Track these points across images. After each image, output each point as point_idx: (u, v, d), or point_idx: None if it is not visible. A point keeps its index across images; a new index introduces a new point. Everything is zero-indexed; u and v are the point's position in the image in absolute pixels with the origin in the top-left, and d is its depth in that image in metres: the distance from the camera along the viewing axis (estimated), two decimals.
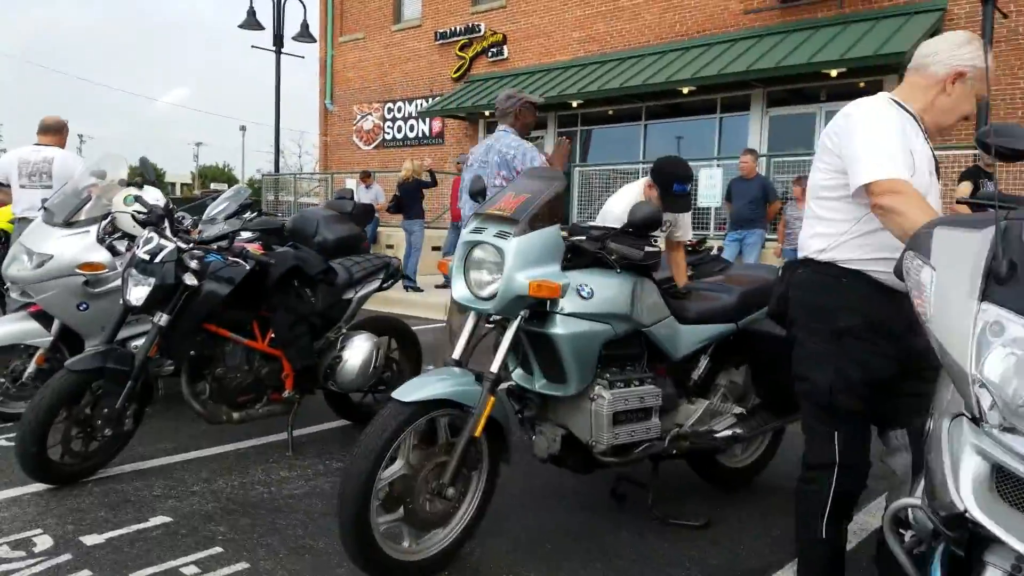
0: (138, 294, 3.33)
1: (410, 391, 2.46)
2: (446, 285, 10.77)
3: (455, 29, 17.61)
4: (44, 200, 4.85)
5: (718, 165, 10.44)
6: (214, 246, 3.48)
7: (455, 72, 17.61)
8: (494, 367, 2.55)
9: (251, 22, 15.27)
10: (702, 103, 13.51)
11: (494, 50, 16.89)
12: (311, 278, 3.84)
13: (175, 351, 3.48)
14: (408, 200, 10.66)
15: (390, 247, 13.42)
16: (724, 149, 13.26)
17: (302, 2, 15.43)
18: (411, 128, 18.91)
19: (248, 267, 3.55)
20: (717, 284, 3.30)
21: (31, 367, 4.26)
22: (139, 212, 3.63)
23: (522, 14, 16.38)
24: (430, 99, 18.08)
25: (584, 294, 2.60)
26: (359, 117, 20.04)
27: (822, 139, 2.13)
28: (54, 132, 5.46)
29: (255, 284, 3.61)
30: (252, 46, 15.92)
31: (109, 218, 4.31)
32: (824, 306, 2.08)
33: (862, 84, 11.91)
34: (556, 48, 15.84)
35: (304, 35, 15.89)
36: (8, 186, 5.47)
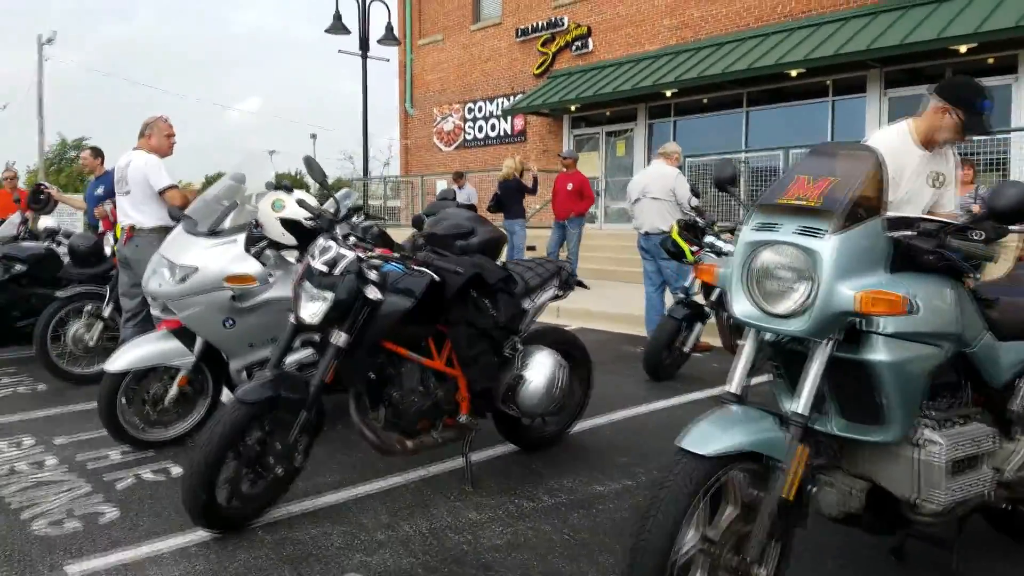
0: (313, 310, 2.87)
1: (703, 440, 1.90)
2: None
3: (537, 25, 17.11)
4: (175, 214, 4.50)
5: None
6: (395, 254, 3.00)
7: (537, 68, 17.11)
8: (800, 407, 1.97)
9: (337, 26, 15.00)
10: (811, 86, 12.64)
11: (578, 43, 16.31)
12: (491, 287, 3.34)
13: (353, 374, 3.02)
14: (509, 200, 10.15)
15: None
16: (838, 134, 12.38)
17: (386, 5, 15.10)
18: (492, 127, 18.50)
19: (430, 277, 3.07)
20: (1015, 287, 2.64)
21: (173, 390, 3.89)
22: (306, 219, 3.19)
23: (608, 4, 15.74)
24: (511, 97, 17.63)
25: (909, 307, 2.00)
26: (439, 119, 19.73)
27: None
28: (140, 135, 5.01)
29: (432, 295, 3.12)
30: (339, 51, 15.62)
31: (250, 226, 3.92)
32: None
33: (991, 60, 10.93)
34: (645, 37, 15.16)
35: (389, 38, 15.56)
36: None
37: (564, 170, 10.05)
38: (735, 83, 13.06)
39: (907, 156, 3.22)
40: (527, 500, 3.24)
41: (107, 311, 5.58)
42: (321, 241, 2.96)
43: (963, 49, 10.66)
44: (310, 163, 3.22)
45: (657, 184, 6.36)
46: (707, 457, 1.86)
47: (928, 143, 3.25)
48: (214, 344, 3.85)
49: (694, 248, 5.34)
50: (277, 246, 3.95)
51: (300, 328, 3.02)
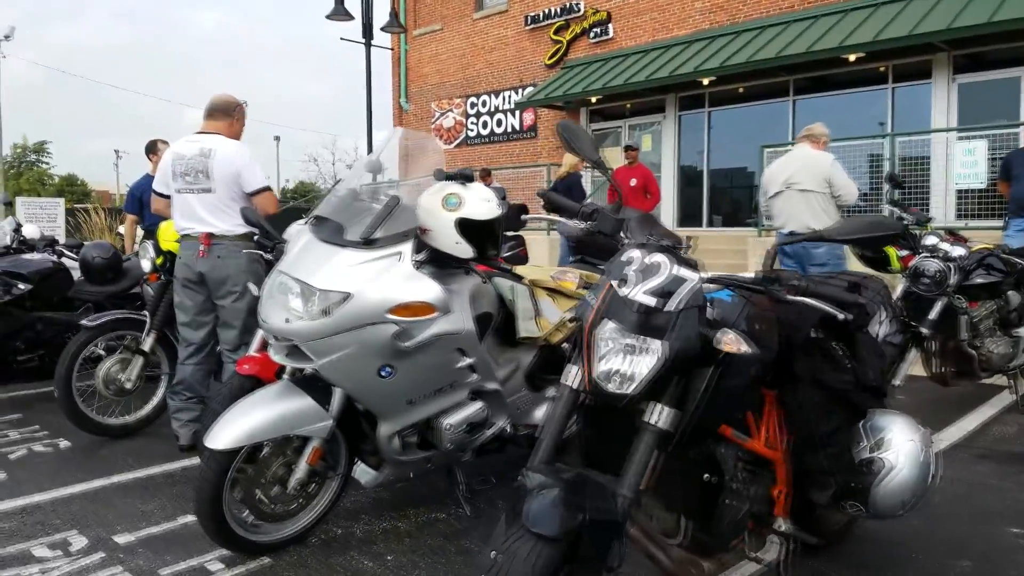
0: (632, 370, 1.71)
1: None
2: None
3: (549, 11, 15.95)
4: (246, 212, 3.35)
5: (961, 137, 8.80)
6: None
7: (549, 58, 15.96)
8: None
9: (339, 11, 13.75)
10: (866, 73, 11.73)
11: (597, 30, 15.21)
12: (836, 325, 2.20)
13: (681, 475, 1.87)
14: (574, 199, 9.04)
15: None
16: (900, 123, 11.50)
17: None
18: (498, 123, 17.31)
19: (777, 309, 1.93)
20: None
21: (300, 470, 2.69)
22: (560, 223, 2.03)
23: None
24: (520, 90, 16.48)
25: None
26: (438, 115, 18.49)
27: None
28: (222, 115, 3.88)
29: None
30: (341, 38, 14.37)
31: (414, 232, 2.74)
32: None
33: None
34: (673, 22, 14.11)
35: (393, 25, 14.38)
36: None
37: (627, 163, 8.96)
38: (780, 70, 12.09)
39: None
40: None
41: (148, 343, 4.30)
42: (637, 254, 1.79)
43: None
44: (570, 129, 2.06)
45: (807, 173, 5.27)
46: None
47: None
48: (362, 401, 2.67)
49: (903, 253, 4.28)
50: (441, 259, 2.78)
51: (580, 399, 1.86)
